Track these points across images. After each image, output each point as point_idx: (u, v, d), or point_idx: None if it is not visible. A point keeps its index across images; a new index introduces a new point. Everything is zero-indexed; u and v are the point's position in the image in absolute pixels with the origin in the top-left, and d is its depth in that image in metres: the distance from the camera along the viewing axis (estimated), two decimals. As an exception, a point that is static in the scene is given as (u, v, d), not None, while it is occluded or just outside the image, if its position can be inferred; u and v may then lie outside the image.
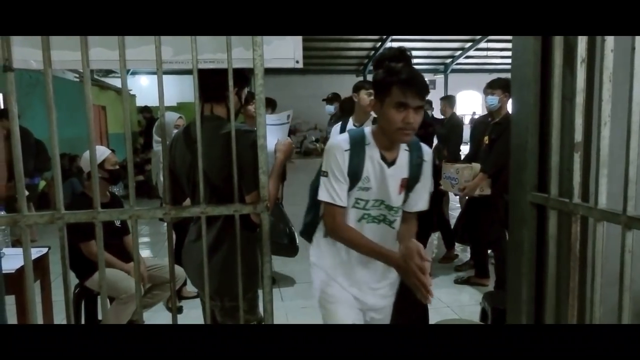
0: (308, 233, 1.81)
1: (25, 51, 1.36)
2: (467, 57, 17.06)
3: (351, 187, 1.59)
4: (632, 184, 1.15)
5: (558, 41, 1.39)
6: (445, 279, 4.02)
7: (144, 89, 15.36)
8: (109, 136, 11.46)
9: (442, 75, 18.73)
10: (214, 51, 1.43)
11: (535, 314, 1.60)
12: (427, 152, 1.69)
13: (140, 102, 13.67)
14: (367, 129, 1.65)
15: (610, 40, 1.20)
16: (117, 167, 2.68)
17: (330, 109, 5.15)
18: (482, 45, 15.39)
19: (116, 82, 12.41)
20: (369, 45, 15.66)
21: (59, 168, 1.37)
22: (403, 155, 1.65)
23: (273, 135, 1.90)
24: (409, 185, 1.65)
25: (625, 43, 1.15)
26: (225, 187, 1.45)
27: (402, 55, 1.73)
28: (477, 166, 3.55)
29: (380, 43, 15.10)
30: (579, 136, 1.35)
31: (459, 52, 16.77)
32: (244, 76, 1.55)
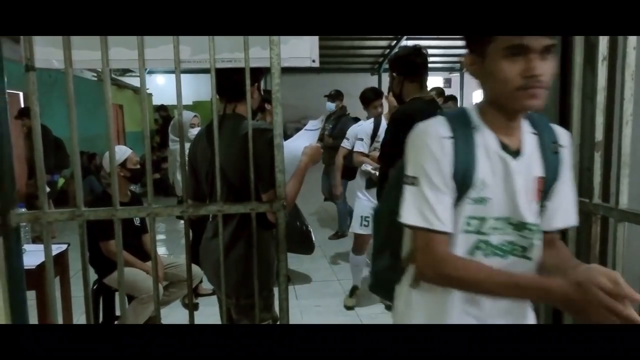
0: (385, 286, 1.23)
1: (47, 51, 1.38)
2: (484, 55, 16.88)
3: (458, 199, 1.01)
4: (655, 184, 1.13)
5: (579, 39, 1.37)
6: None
7: (160, 88, 15.49)
8: (126, 135, 11.59)
9: (458, 74, 18.57)
10: (231, 50, 1.44)
11: (553, 315, 1.58)
12: (563, 133, 1.09)
13: (156, 101, 13.80)
14: (469, 107, 1.08)
15: (632, 38, 1.18)
16: (139, 166, 2.71)
17: (332, 106, 4.98)
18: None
19: (133, 81, 12.54)
20: (384, 43, 15.57)
21: (79, 166, 1.39)
22: (530, 140, 1.05)
23: (306, 139, 1.93)
24: (546, 187, 1.05)
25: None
26: (242, 186, 1.46)
27: (419, 52, 1.72)
28: None
29: (395, 42, 15.02)
30: (599, 135, 1.33)
31: (475, 50, 16.61)
32: (258, 70, 1.56)
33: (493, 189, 1.01)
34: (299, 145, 1.74)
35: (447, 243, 0.99)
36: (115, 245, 2.38)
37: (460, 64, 18.14)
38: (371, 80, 17.05)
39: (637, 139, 1.24)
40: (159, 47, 1.43)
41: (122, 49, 1.43)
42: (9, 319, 1.36)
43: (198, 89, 14.62)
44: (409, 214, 0.99)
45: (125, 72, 13.24)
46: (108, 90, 1.38)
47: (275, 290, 1.56)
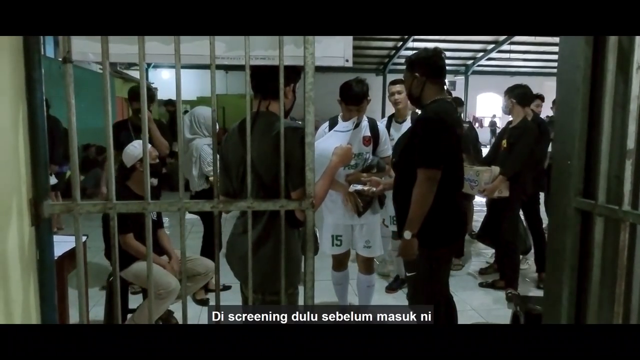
0: None
1: (83, 43, 1.39)
2: (489, 59, 16.90)
3: None
4: (690, 193, 1.14)
5: (612, 46, 1.38)
6: (470, 282, 4.01)
7: (165, 82, 15.50)
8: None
9: (463, 77, 18.58)
10: (265, 48, 1.45)
11: (575, 320, 1.60)
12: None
13: (161, 95, 13.79)
14: None
15: (670, 47, 1.19)
16: (157, 160, 2.73)
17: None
18: (505, 47, 15.23)
19: (138, 75, 12.57)
20: (390, 44, 15.61)
21: (112, 162, 1.40)
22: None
23: (337, 140, 1.94)
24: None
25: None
26: (273, 183, 1.47)
27: (441, 55, 1.84)
28: (496, 169, 3.60)
29: (401, 43, 15.04)
30: (631, 143, 1.33)
31: (480, 54, 16.63)
32: (298, 72, 1.57)
33: None
34: (330, 145, 1.75)
35: None
36: (133, 239, 2.39)
37: (465, 67, 18.18)
38: (376, 81, 17.04)
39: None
40: (194, 42, 1.44)
41: (156, 43, 1.44)
42: (38, 311, 1.37)
43: (202, 83, 14.63)
44: None
45: (130, 65, 13.23)
46: (107, 84, 1.37)
47: (300, 288, 1.57)
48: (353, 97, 2.64)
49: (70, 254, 2.38)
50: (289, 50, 1.43)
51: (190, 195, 3.35)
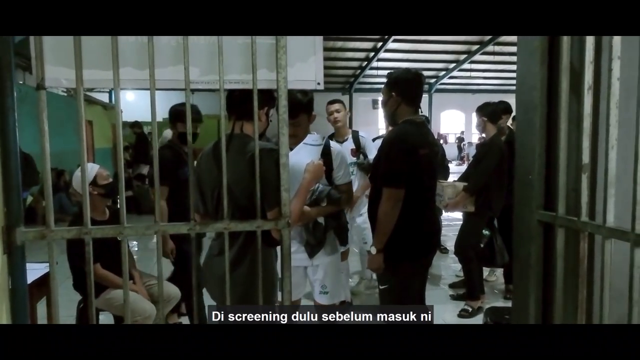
0: None
1: (57, 70, 1.40)
2: (451, 77, 17.41)
3: None
4: (639, 203, 1.23)
5: (565, 67, 1.48)
6: (442, 296, 4.09)
7: (130, 104, 15.28)
8: (95, 151, 11.36)
9: (427, 95, 19.07)
10: (239, 72, 1.49)
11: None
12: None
13: (126, 117, 13.56)
14: None
15: (616, 69, 1.29)
16: (110, 180, 2.65)
17: None
18: (466, 66, 15.74)
19: (101, 97, 12.36)
20: (355, 64, 15.89)
21: (87, 186, 1.40)
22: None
23: (307, 155, 1.92)
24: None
25: (629, 71, 1.24)
26: (248, 204, 1.49)
27: (421, 79, 1.94)
28: (460, 185, 3.73)
29: (366, 62, 15.35)
30: (586, 158, 1.43)
31: (443, 73, 17.12)
32: (272, 96, 1.61)
33: None
34: (301, 159, 1.78)
35: None
36: (101, 269, 2.33)
37: (429, 85, 18.67)
38: (343, 100, 17.32)
39: (620, 162, 1.34)
40: (168, 67, 1.47)
41: (130, 69, 1.46)
42: (11, 339, 1.34)
43: (169, 105, 14.50)
44: None
45: (93, 87, 13.02)
46: (81, 109, 1.37)
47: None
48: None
49: (38, 283, 2.32)
50: (262, 74, 1.47)
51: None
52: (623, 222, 1.29)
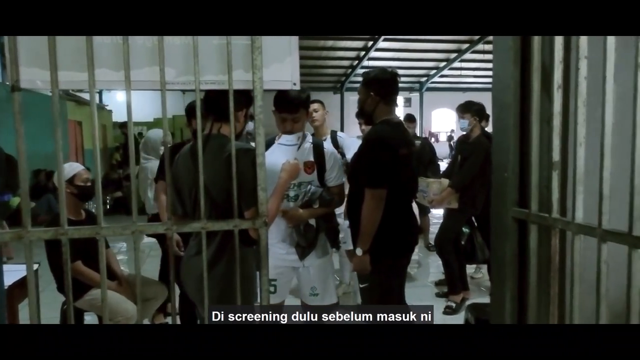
0: None
1: (32, 71, 1.40)
2: (442, 75, 17.49)
3: None
4: (606, 199, 1.25)
5: (536, 67, 1.51)
6: (427, 294, 4.13)
7: (120, 104, 15.22)
8: (85, 152, 11.31)
9: (418, 94, 19.14)
10: (215, 73, 1.50)
11: (518, 323, 1.69)
12: None
13: (116, 117, 13.53)
14: None
15: (583, 69, 1.32)
16: (89, 184, 2.64)
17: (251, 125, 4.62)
18: (456, 64, 15.82)
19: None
20: (346, 63, 15.92)
21: (64, 187, 1.40)
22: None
23: (282, 154, 1.94)
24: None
25: (595, 70, 1.27)
26: (225, 204, 1.51)
27: (396, 78, 1.91)
28: (445, 181, 3.82)
29: (357, 61, 15.38)
30: (556, 156, 1.45)
31: (433, 71, 17.19)
32: (249, 97, 1.62)
33: None
34: (276, 159, 1.79)
35: None
36: (82, 266, 2.33)
37: (419, 84, 18.75)
38: (334, 99, 17.34)
39: (589, 159, 1.37)
40: (144, 68, 1.48)
41: (108, 70, 1.47)
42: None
43: (158, 106, 14.38)
44: None
45: (80, 89, 12.95)
46: (56, 112, 1.38)
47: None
48: (287, 103, 2.09)
49: (21, 283, 2.32)
50: (238, 75, 1.48)
51: (148, 218, 3.32)
52: (593, 218, 1.32)
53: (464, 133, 3.95)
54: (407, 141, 2.28)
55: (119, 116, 12.13)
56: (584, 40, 1.31)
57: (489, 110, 5.10)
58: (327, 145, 2.33)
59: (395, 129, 2.22)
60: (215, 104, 1.64)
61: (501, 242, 1.71)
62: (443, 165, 6.45)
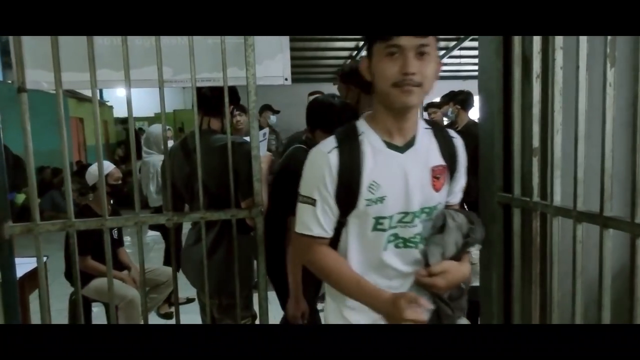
0: None
1: (37, 73, 1.48)
2: (442, 64, 17.46)
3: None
4: (581, 183, 1.33)
5: (517, 58, 1.57)
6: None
7: (120, 100, 15.28)
8: (87, 148, 11.39)
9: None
10: (210, 70, 1.57)
11: (504, 303, 1.77)
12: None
13: (117, 113, 13.58)
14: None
15: (559, 59, 1.38)
16: (120, 182, 2.78)
17: (274, 119, 4.54)
18: (456, 52, 15.78)
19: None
20: (345, 54, 15.90)
21: (69, 181, 1.48)
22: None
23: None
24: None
25: (572, 60, 1.33)
26: (222, 194, 1.59)
27: None
28: None
29: (356, 52, 15.36)
30: (536, 142, 1.53)
31: (433, 60, 17.15)
32: (237, 95, 1.70)
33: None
34: None
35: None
36: (92, 261, 2.43)
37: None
38: (334, 90, 17.29)
39: (566, 145, 1.43)
40: (143, 67, 1.55)
41: (106, 70, 1.55)
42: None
43: (158, 101, 14.42)
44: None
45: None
46: (61, 111, 1.45)
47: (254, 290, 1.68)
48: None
49: (30, 275, 2.41)
50: (232, 72, 1.56)
51: (151, 212, 3.41)
52: (569, 202, 1.39)
53: (450, 121, 4.00)
54: None
55: (120, 112, 12.18)
56: (559, 31, 1.37)
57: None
58: None
59: None
60: (204, 99, 1.71)
61: (489, 226, 1.79)
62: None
